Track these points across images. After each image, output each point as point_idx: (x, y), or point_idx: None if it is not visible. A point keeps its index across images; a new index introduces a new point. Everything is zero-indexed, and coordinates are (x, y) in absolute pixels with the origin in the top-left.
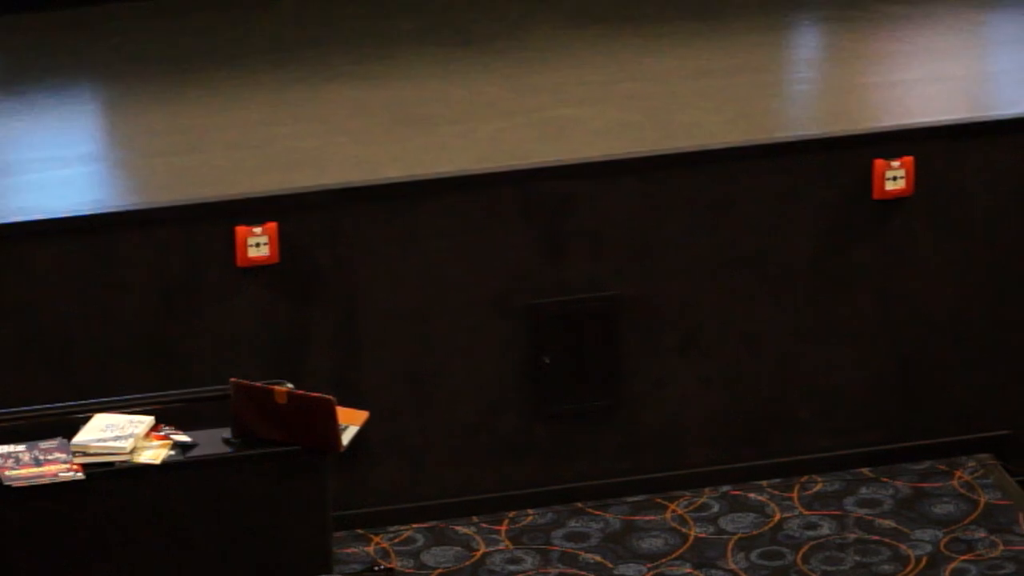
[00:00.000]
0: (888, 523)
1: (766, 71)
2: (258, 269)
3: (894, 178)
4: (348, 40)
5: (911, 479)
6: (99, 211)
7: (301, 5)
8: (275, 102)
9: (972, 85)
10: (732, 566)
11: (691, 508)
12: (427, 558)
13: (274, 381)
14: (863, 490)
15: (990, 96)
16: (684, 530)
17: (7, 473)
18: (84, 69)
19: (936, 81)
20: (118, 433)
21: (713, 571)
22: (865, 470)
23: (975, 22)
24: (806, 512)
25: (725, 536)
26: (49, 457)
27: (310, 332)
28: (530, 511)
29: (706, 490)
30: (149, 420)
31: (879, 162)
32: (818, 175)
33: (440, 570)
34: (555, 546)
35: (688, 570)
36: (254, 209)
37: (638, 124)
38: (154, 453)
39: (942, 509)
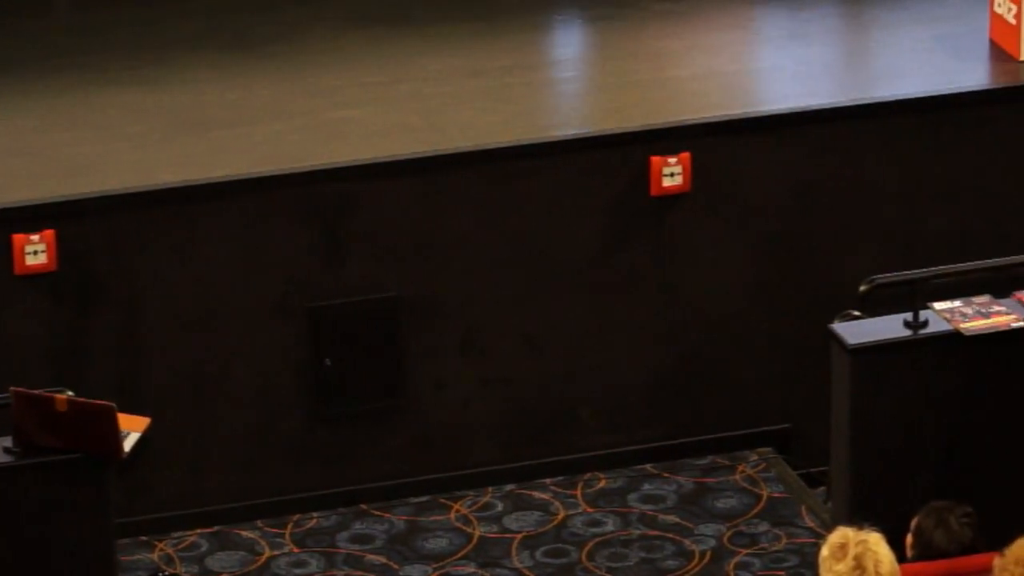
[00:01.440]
0: (672, 519)
1: (541, 70)
2: (36, 277)
3: (671, 175)
4: (123, 46)
5: (694, 474)
6: None
7: (74, 12)
8: (51, 109)
9: (744, 80)
10: (517, 565)
11: (475, 507)
12: (212, 563)
13: (55, 389)
14: (646, 486)
15: (763, 91)
16: (469, 530)
17: None
18: None
19: (709, 77)
20: None
21: (498, 570)
22: (648, 466)
23: (745, 18)
24: (590, 509)
25: (509, 535)
26: None
27: (90, 339)
28: (314, 514)
29: (490, 489)
30: None
31: (656, 159)
32: (595, 173)
33: (225, 575)
34: (340, 548)
35: (473, 569)
36: (30, 216)
37: (416, 125)
38: None
39: (725, 503)
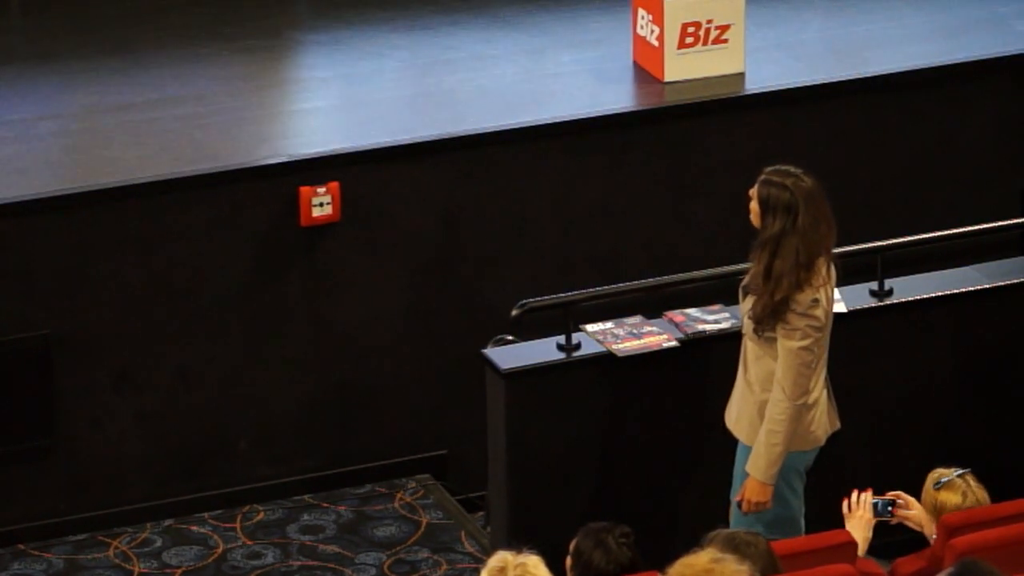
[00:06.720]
0: (332, 548)
1: (186, 103)
2: None
3: (320, 204)
4: None
5: (353, 503)
6: None
7: None
8: None
9: (391, 109)
10: None
11: (134, 544)
12: None
13: None
14: (305, 517)
15: (409, 119)
16: (128, 566)
17: None
18: None
19: (356, 106)
20: None
21: None
22: (306, 497)
23: (391, 45)
24: (249, 542)
25: (169, 570)
26: None
27: None
28: None
29: (148, 525)
30: None
31: (305, 189)
32: (245, 205)
33: None
34: None
35: None
36: None
37: (62, 161)
38: None
39: (384, 531)
